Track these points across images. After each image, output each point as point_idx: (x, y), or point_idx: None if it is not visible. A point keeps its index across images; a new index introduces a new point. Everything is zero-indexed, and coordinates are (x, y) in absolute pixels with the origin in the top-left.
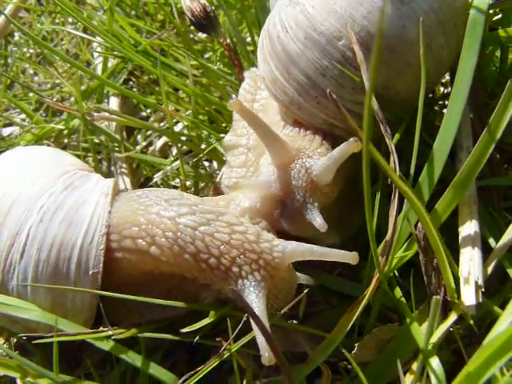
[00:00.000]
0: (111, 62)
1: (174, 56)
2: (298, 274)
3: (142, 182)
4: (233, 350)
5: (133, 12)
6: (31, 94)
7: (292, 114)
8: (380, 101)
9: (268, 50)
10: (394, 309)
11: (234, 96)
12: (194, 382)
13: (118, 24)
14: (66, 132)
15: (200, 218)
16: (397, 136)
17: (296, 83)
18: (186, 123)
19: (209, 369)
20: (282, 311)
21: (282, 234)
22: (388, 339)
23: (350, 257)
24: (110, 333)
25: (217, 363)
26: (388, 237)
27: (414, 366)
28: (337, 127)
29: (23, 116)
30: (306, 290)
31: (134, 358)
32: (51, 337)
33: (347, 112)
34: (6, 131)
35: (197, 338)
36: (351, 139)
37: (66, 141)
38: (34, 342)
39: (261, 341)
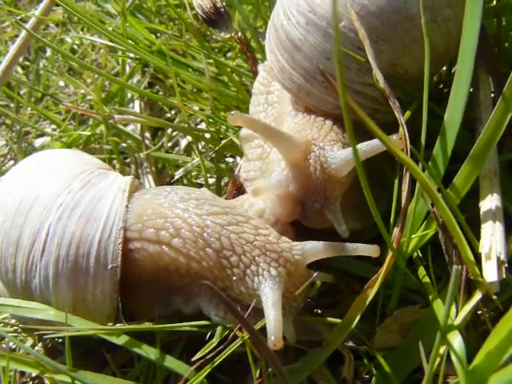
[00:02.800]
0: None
1: (193, 56)
2: (314, 273)
3: (167, 181)
4: (245, 337)
5: (156, 20)
6: (61, 106)
7: (302, 102)
8: (388, 79)
9: (274, 40)
10: (418, 291)
11: (233, 111)
12: (207, 370)
13: (136, 29)
14: (93, 139)
15: (231, 219)
16: (407, 113)
17: (302, 70)
18: (204, 119)
19: (218, 357)
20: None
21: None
22: (412, 322)
23: (371, 250)
24: (122, 328)
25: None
26: (402, 212)
27: (441, 349)
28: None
29: (54, 126)
30: (315, 274)
31: (148, 352)
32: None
33: (357, 94)
34: (39, 142)
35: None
36: (394, 136)
37: (96, 147)
38: (45, 337)
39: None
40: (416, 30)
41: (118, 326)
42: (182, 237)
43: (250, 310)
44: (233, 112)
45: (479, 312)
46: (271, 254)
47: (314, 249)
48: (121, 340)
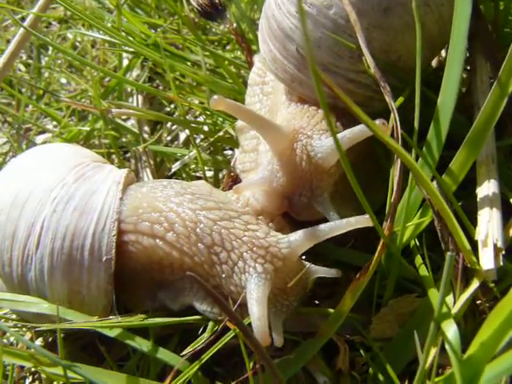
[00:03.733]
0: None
1: (190, 49)
2: (318, 268)
3: (166, 175)
4: (236, 329)
5: (156, 16)
6: (63, 103)
7: (295, 92)
8: (381, 66)
9: (266, 30)
10: (415, 280)
11: (216, 96)
12: (197, 365)
13: (135, 23)
14: (94, 134)
15: (223, 214)
16: (400, 99)
17: (294, 59)
18: (201, 111)
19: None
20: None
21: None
22: (409, 312)
23: (364, 221)
24: (115, 321)
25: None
26: (393, 199)
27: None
28: (340, 99)
29: (56, 123)
30: (308, 265)
31: (142, 344)
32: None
33: (351, 82)
34: (40, 138)
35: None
36: (377, 121)
37: (96, 142)
38: (36, 330)
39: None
40: (408, 16)
41: (112, 318)
42: (175, 231)
43: (237, 303)
44: (215, 96)
45: (479, 302)
46: (258, 250)
47: (301, 238)
48: (114, 333)
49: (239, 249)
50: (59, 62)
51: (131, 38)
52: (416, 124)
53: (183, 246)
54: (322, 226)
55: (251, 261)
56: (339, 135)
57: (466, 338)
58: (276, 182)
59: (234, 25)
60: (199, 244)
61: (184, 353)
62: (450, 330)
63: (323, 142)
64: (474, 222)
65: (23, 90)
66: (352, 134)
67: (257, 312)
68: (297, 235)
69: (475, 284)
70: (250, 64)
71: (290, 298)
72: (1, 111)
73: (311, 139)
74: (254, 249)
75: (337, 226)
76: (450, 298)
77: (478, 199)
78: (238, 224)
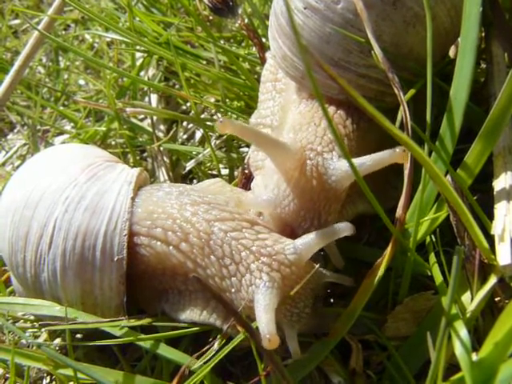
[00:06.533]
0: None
1: (204, 47)
2: (331, 273)
3: (182, 174)
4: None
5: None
6: (81, 104)
7: (307, 89)
8: (391, 58)
9: (275, 27)
10: (432, 277)
11: (221, 118)
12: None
13: (148, 22)
14: (111, 134)
15: (236, 225)
16: (411, 91)
17: None
18: (214, 108)
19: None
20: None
21: None
22: (425, 310)
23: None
24: (123, 323)
25: None
26: (404, 191)
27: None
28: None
29: (73, 124)
30: (317, 266)
31: (150, 344)
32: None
33: (362, 78)
34: (58, 140)
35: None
36: (397, 148)
37: (113, 143)
38: (45, 329)
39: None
40: (418, 7)
41: (121, 319)
42: (189, 241)
43: (243, 305)
44: (221, 119)
45: (498, 299)
46: (264, 258)
47: (308, 243)
48: (125, 334)
49: (246, 260)
50: (77, 63)
51: (145, 38)
52: (428, 116)
53: (197, 258)
54: (330, 230)
55: (257, 272)
56: (360, 161)
57: (484, 337)
58: (281, 208)
59: (246, 20)
60: (211, 256)
61: (195, 361)
62: (461, 331)
63: (337, 164)
64: (491, 216)
65: (43, 91)
66: (371, 162)
67: (264, 318)
68: (303, 240)
69: (493, 280)
70: (263, 60)
71: (299, 304)
72: (19, 113)
73: (322, 157)
74: (261, 258)
75: (342, 228)
76: (467, 295)
77: (494, 192)
78: (249, 234)
